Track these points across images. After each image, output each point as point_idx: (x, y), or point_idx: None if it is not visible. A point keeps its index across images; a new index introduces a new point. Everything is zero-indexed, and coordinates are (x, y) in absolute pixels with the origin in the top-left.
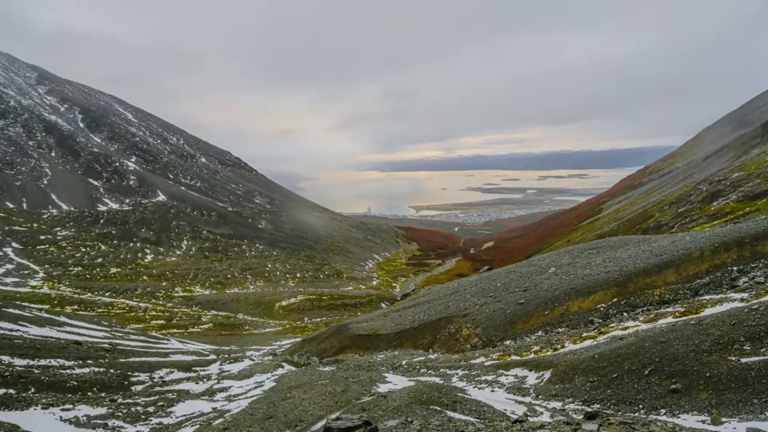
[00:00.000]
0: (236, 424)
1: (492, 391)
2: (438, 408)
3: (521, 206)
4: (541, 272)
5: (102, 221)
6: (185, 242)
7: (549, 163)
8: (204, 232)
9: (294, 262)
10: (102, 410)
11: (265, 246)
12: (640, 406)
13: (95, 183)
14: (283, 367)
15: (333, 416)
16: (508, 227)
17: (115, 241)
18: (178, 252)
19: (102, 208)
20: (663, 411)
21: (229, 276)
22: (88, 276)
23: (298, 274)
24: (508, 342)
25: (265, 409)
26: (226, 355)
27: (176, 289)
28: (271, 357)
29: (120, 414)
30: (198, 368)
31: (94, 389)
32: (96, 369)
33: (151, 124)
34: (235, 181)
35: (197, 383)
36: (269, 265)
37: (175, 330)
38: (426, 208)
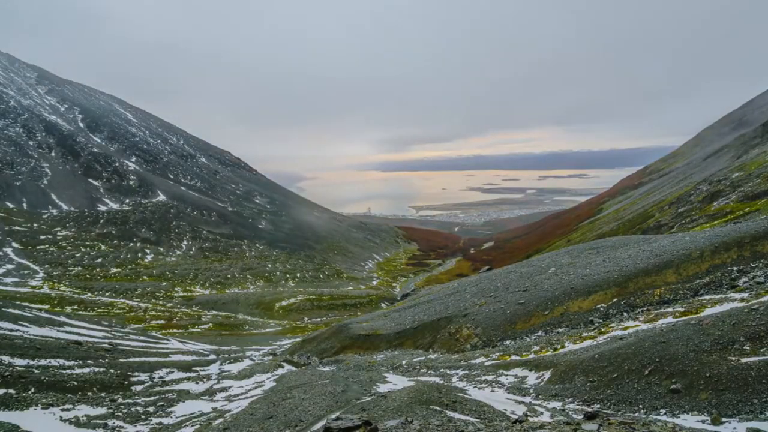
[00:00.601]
0: (236, 424)
1: (492, 391)
2: (438, 408)
3: (521, 206)
4: (541, 272)
5: (102, 221)
6: (185, 242)
7: (549, 163)
8: (204, 232)
9: (294, 262)
10: (102, 410)
11: (265, 246)
12: (640, 406)
13: (95, 183)
14: (283, 367)
15: (333, 416)
16: (508, 227)
17: (115, 241)
18: (178, 252)
19: (102, 208)
20: (663, 411)
21: (229, 276)
22: (88, 276)
23: (298, 274)
24: (508, 342)
25: (265, 409)
26: (226, 355)
27: (176, 289)
28: (271, 357)
29: (120, 414)
30: (198, 368)
31: (94, 389)
32: (96, 369)
33: (151, 124)
34: (235, 181)
35: (197, 383)
36: (269, 265)
37: (175, 330)
38: (426, 208)
